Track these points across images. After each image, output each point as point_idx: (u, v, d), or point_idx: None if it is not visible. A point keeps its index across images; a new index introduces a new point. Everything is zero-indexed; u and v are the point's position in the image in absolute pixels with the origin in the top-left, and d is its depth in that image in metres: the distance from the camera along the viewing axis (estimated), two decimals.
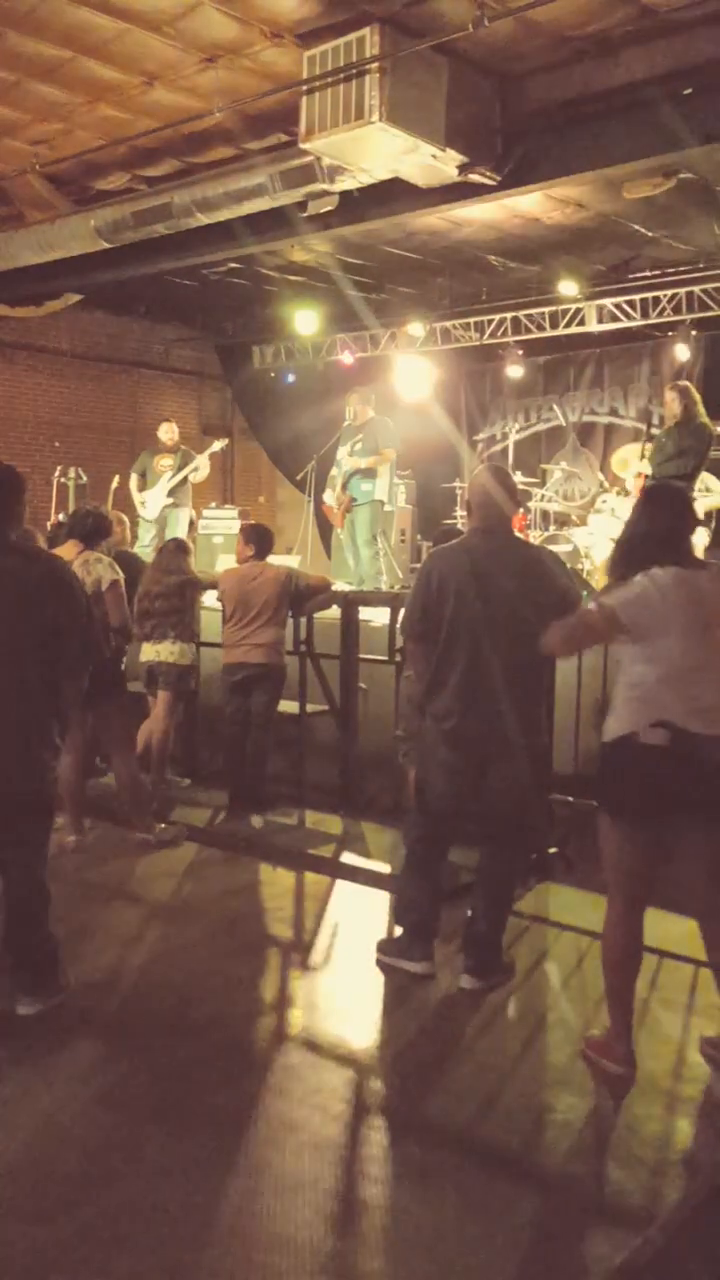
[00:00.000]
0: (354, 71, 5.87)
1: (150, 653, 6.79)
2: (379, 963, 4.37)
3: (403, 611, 4.53)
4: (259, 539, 6.70)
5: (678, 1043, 3.74)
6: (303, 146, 6.36)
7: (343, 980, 4.39)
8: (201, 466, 10.75)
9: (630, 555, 3.53)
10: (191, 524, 10.92)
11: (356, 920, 5.14)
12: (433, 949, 4.28)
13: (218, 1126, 3.23)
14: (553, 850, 5.49)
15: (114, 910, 5.10)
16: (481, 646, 4.04)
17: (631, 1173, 3.05)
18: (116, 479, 10.76)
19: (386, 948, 4.40)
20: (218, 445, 11.41)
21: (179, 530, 10.50)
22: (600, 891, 5.13)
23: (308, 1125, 3.25)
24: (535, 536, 9.95)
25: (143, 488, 10.66)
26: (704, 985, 4.18)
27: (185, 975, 4.30)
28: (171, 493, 10.58)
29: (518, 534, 4.32)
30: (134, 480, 10.72)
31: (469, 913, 4.30)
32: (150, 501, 10.56)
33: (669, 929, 4.70)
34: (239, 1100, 3.39)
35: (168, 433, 10.86)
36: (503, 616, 4.04)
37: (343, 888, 5.50)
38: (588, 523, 10.09)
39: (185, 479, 10.63)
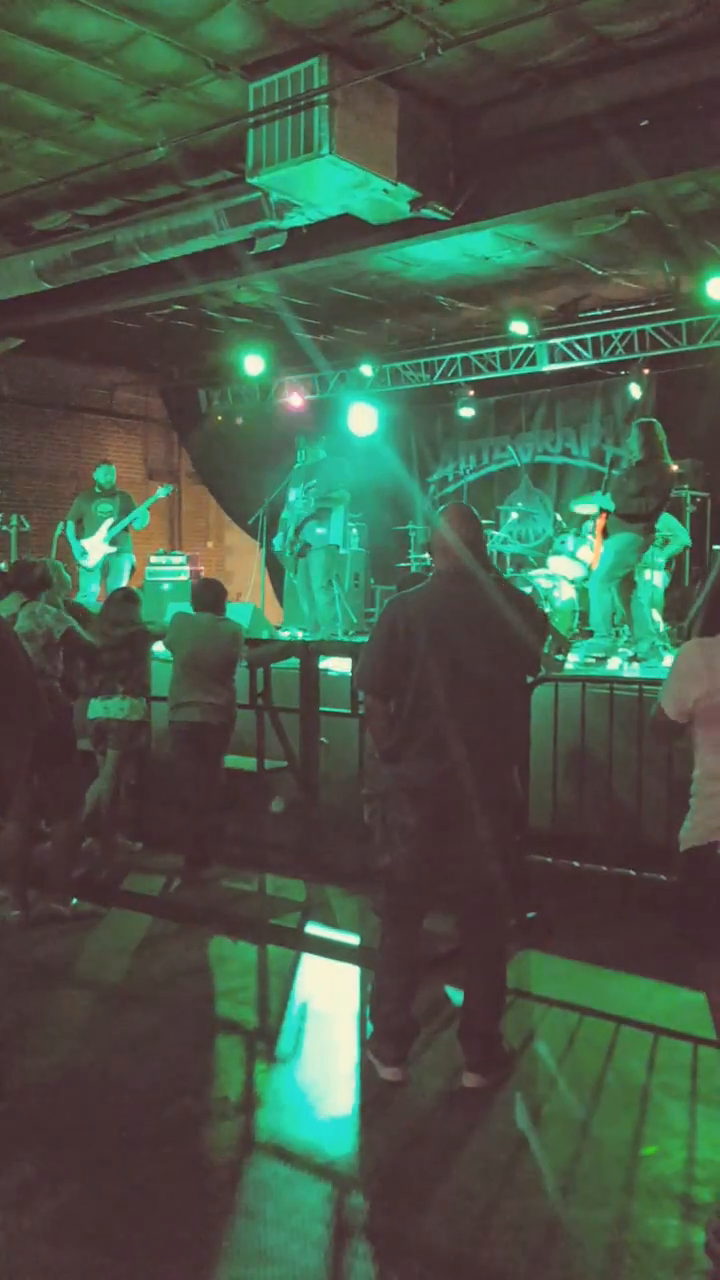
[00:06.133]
0: (302, 103, 5.67)
1: (99, 709, 6.42)
2: (364, 1052, 3.96)
3: (359, 662, 4.19)
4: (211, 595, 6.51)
5: (687, 1138, 3.40)
6: (250, 181, 6.14)
7: (315, 1073, 4.00)
8: (141, 516, 10.40)
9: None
10: (132, 570, 10.56)
11: (325, 1000, 4.77)
12: (406, 1050, 3.82)
13: (183, 1258, 2.85)
14: (531, 915, 5.18)
15: (63, 995, 4.67)
16: (453, 701, 3.69)
17: None
18: (61, 526, 10.38)
19: (369, 1039, 3.93)
20: (163, 492, 11.06)
21: (123, 578, 10.14)
22: (588, 960, 4.88)
23: (284, 1254, 2.88)
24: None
25: (80, 534, 10.23)
26: (705, 1066, 3.87)
27: (143, 1072, 3.90)
28: (114, 540, 10.20)
29: (486, 575, 3.97)
30: (70, 527, 10.29)
31: (463, 1000, 3.87)
32: (91, 549, 10.18)
33: (662, 1001, 4.43)
34: (207, 1225, 3.01)
35: (106, 476, 10.45)
36: (474, 668, 3.71)
37: (309, 962, 5.13)
38: (546, 564, 9.90)
39: (127, 526, 10.28)
